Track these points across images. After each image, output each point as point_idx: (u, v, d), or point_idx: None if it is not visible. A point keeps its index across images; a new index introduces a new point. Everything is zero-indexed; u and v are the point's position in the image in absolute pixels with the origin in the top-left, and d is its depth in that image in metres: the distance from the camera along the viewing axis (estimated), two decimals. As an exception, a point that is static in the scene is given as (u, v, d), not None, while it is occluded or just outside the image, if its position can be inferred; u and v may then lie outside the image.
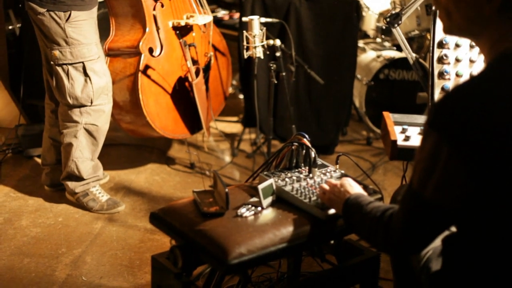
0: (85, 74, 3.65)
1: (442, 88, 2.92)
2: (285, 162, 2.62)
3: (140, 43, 3.97)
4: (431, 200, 1.68)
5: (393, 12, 3.14)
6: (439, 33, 2.96)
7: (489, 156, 1.58)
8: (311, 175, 2.55)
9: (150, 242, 3.53)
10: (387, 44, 5.48)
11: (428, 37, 5.28)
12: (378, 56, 5.12)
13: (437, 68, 2.95)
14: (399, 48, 5.21)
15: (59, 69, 3.64)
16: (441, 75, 2.93)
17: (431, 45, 2.97)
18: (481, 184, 1.61)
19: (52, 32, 3.57)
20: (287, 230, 2.26)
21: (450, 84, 2.92)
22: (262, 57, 4.12)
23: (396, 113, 2.93)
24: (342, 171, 2.63)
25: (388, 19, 3.15)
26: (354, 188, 2.24)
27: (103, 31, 4.00)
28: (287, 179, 2.48)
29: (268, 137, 4.41)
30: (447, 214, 1.69)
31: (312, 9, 4.64)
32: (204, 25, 4.41)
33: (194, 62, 4.28)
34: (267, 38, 4.16)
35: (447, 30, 1.81)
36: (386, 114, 2.90)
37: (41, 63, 3.83)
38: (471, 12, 1.70)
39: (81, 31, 3.61)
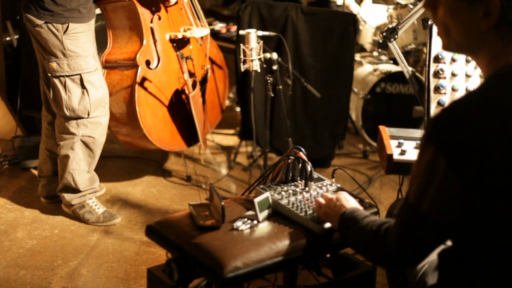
0: (82, 86, 3.66)
1: (438, 103, 2.93)
2: (281, 176, 2.63)
3: (137, 56, 3.97)
4: (428, 214, 1.68)
5: (390, 26, 3.16)
6: (436, 47, 2.97)
7: (486, 171, 1.59)
8: (307, 188, 2.56)
9: (146, 255, 3.53)
10: (383, 57, 5.50)
11: (425, 51, 5.30)
12: (375, 70, 5.14)
13: (433, 82, 2.96)
14: (395, 62, 5.23)
15: (56, 81, 3.64)
16: (437, 89, 2.95)
17: (427, 59, 2.98)
18: (478, 199, 1.61)
19: (49, 44, 3.58)
20: (283, 243, 2.26)
21: (446, 99, 2.93)
22: (259, 70, 4.13)
23: (392, 127, 2.93)
24: (338, 185, 2.63)
25: (384, 33, 3.17)
26: (349, 202, 2.24)
27: (101, 44, 4.00)
28: (283, 193, 2.48)
29: (265, 150, 4.41)
30: (443, 228, 1.69)
31: (309, 22, 4.65)
32: (201, 38, 4.42)
33: (191, 74, 4.29)
34: (264, 51, 4.17)
35: (446, 47, 1.81)
36: (382, 128, 2.90)
37: (38, 75, 3.83)
38: (468, 28, 1.71)
39: (78, 43, 3.62)
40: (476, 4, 1.66)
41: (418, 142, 2.78)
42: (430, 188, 1.66)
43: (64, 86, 3.64)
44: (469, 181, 1.60)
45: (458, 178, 1.60)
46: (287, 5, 4.66)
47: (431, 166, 1.65)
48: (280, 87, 4.34)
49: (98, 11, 3.99)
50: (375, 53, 5.58)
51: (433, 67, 2.97)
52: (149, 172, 4.66)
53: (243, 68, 4.11)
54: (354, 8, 5.55)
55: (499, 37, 1.68)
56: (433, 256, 1.97)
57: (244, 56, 4.07)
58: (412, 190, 1.72)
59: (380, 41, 5.43)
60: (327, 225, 2.31)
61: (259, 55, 4.08)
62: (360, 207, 2.22)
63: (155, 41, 4.08)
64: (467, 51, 1.79)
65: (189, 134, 4.40)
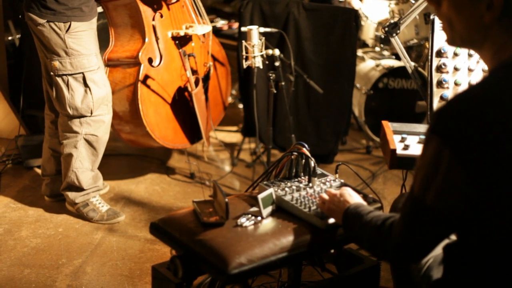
0: (85, 84, 3.66)
1: (441, 97, 2.92)
2: (284, 172, 2.63)
3: (140, 53, 3.97)
4: (433, 206, 1.68)
5: (392, 21, 3.15)
6: (438, 42, 2.97)
7: (490, 162, 1.59)
8: (310, 184, 2.56)
9: (150, 252, 3.53)
10: (386, 53, 5.49)
11: (427, 45, 5.29)
12: (377, 65, 5.13)
13: (435, 77, 2.96)
14: (398, 57, 5.22)
15: (59, 79, 3.64)
16: (440, 84, 2.94)
17: (430, 54, 2.98)
18: (482, 190, 1.61)
19: (52, 43, 3.58)
20: (287, 239, 2.26)
21: (448, 93, 2.93)
22: (261, 67, 4.13)
23: (395, 122, 2.93)
24: (342, 180, 2.63)
25: (386, 29, 3.16)
26: (353, 197, 2.24)
27: (103, 42, 4.00)
28: (286, 189, 2.48)
29: (268, 147, 4.42)
30: (448, 221, 1.69)
31: (311, 18, 4.65)
32: (203, 35, 4.42)
33: (194, 72, 4.30)
34: (266, 48, 4.17)
35: (450, 41, 1.82)
36: (385, 123, 2.90)
37: (41, 74, 3.83)
38: (471, 21, 1.71)
39: (81, 42, 3.62)
40: (479, -3, 1.66)
41: (421, 136, 2.78)
42: (435, 180, 1.66)
43: (67, 84, 3.64)
44: (473, 173, 1.60)
45: (462, 169, 1.60)
46: (288, 1, 4.66)
47: (435, 158, 1.65)
48: (283, 83, 4.34)
49: (100, 9, 3.99)
50: (377, 49, 5.58)
51: (435, 61, 2.97)
52: (153, 169, 4.67)
53: (245, 64, 4.11)
54: (356, 3, 5.54)
55: (503, 29, 1.68)
56: (438, 251, 1.97)
57: (246, 52, 4.07)
58: (416, 182, 1.72)
59: (382, 36, 5.43)
60: (331, 220, 2.31)
61: (261, 51, 4.08)
62: (364, 203, 2.22)
63: (157, 39, 4.08)
64: (471, 44, 1.79)
65: (192, 132, 4.40)
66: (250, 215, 2.37)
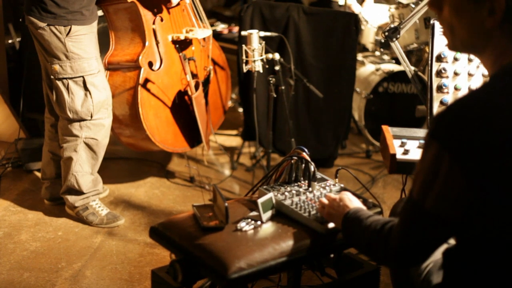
0: (85, 88, 3.66)
1: (441, 102, 2.92)
2: (284, 176, 2.63)
3: (140, 57, 3.98)
4: (432, 210, 1.68)
5: (392, 25, 3.15)
6: (438, 46, 2.97)
7: (489, 167, 1.59)
8: (310, 189, 2.56)
9: (150, 256, 3.53)
10: (386, 57, 5.49)
11: (427, 50, 5.29)
12: (377, 70, 5.13)
13: (435, 81, 2.96)
14: (398, 62, 5.22)
15: (59, 83, 3.64)
16: (440, 88, 2.94)
17: (430, 58, 2.97)
18: (481, 195, 1.61)
19: (52, 46, 3.58)
20: (287, 244, 2.26)
21: (448, 98, 2.93)
22: (261, 71, 4.13)
23: (395, 126, 2.93)
24: (342, 185, 2.63)
25: (386, 33, 3.16)
26: (353, 202, 2.24)
27: (103, 45, 4.01)
28: (286, 193, 2.48)
29: (268, 151, 4.42)
30: (448, 225, 1.69)
31: (311, 22, 4.65)
32: (204, 39, 4.42)
33: (194, 76, 4.30)
34: (266, 52, 4.17)
35: (451, 46, 1.82)
36: (385, 127, 2.90)
37: (41, 77, 3.84)
38: (473, 26, 1.71)
39: (81, 46, 3.62)
40: (481, 2, 1.66)
41: (421, 141, 2.78)
42: (434, 185, 1.66)
43: (67, 88, 3.65)
44: (473, 177, 1.60)
45: (461, 174, 1.60)
46: (288, 6, 4.66)
47: (435, 162, 1.65)
48: (283, 87, 4.34)
49: (100, 13, 3.99)
50: (377, 53, 5.58)
51: (435, 66, 2.97)
52: (152, 173, 4.67)
53: (245, 69, 4.12)
54: (356, 8, 5.55)
55: (504, 35, 1.68)
56: (438, 255, 1.97)
57: (246, 57, 4.08)
58: (416, 187, 1.72)
59: (382, 40, 5.43)
60: (331, 225, 2.31)
61: (261, 55, 4.08)
62: (364, 207, 2.22)
63: (157, 43, 4.08)
64: (472, 50, 1.78)
65: (192, 135, 4.40)
66: (249, 220, 2.37)
